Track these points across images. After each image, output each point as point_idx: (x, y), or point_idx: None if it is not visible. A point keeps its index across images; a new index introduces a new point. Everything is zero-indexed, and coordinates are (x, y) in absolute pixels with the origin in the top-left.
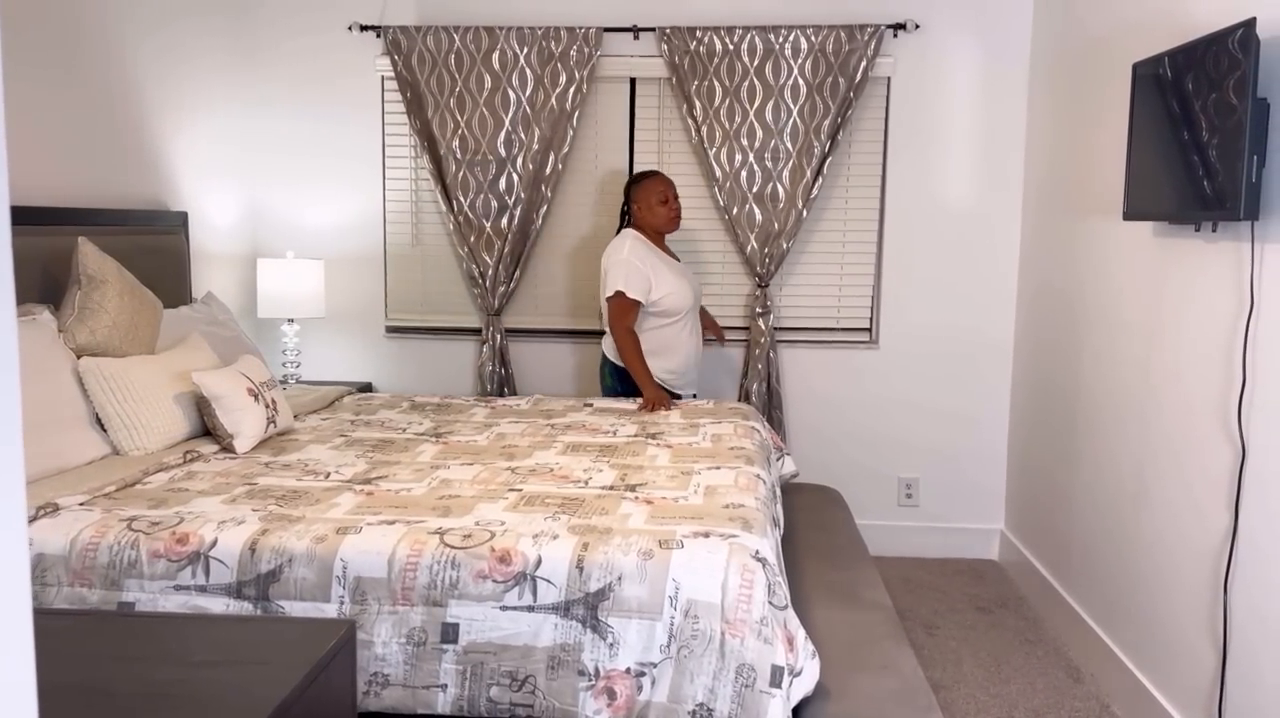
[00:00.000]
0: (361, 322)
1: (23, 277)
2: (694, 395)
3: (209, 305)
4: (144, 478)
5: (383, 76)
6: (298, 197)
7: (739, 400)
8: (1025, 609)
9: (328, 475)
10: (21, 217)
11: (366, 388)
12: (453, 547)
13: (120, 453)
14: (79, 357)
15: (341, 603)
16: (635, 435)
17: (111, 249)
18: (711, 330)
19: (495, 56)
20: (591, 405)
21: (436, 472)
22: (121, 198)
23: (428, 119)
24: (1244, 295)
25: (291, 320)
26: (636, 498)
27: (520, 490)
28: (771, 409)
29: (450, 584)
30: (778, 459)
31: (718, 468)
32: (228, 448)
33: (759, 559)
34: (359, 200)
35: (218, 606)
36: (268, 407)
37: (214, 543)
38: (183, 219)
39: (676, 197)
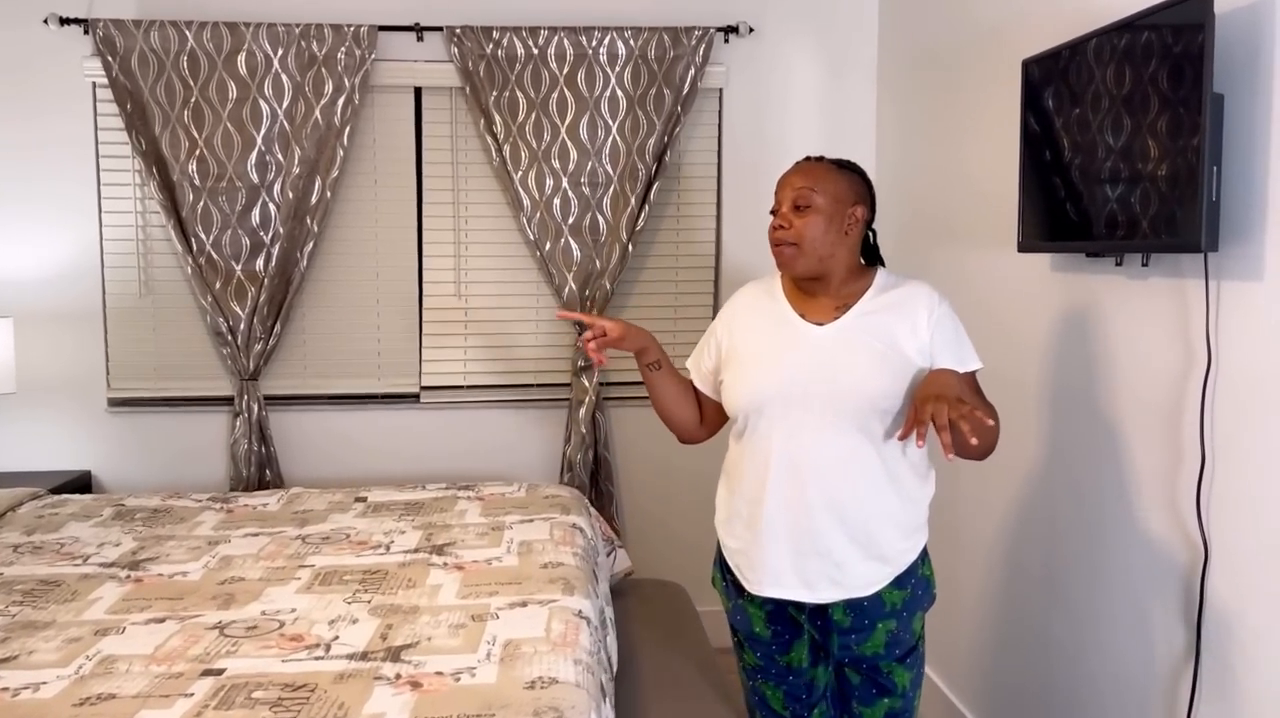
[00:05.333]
0: (75, 394)
1: None
2: (803, 609)
3: None
4: None
5: (94, 83)
6: None
7: (561, 473)
8: None
9: None
10: None
11: (83, 480)
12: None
13: None
14: None
15: None
16: (415, 551)
17: None
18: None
19: (241, 59)
20: (365, 500)
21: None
22: None
23: (155, 137)
24: (1195, 349)
25: None
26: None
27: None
28: (600, 482)
29: None
30: (609, 554)
31: (523, 604)
32: None
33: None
34: (67, 241)
35: None
36: None
37: None
38: None
39: (796, 202)
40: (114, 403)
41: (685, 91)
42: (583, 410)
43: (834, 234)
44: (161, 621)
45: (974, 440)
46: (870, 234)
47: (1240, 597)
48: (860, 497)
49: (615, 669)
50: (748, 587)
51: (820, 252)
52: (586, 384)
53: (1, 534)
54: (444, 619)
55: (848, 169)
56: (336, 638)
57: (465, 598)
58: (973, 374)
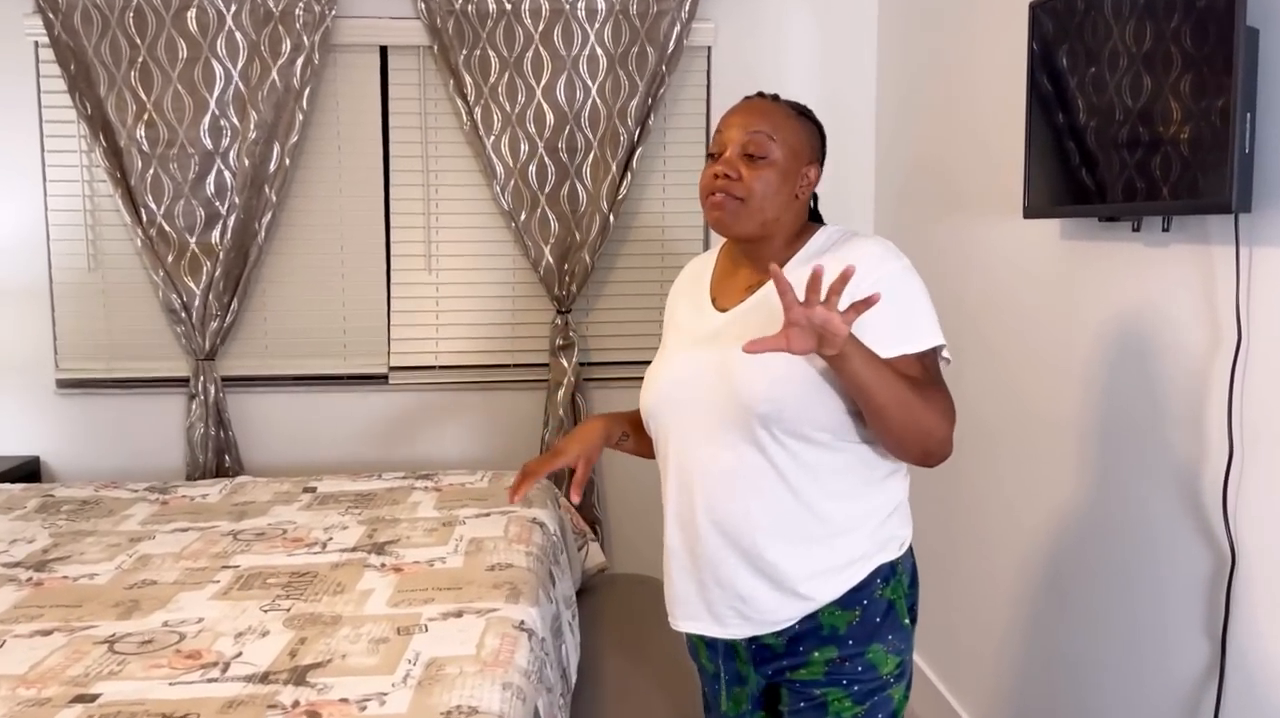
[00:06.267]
0: (21, 375)
1: None
2: (726, 645)
3: None
4: None
5: (36, 43)
6: None
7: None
8: None
9: None
10: None
11: (31, 466)
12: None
13: None
14: None
15: None
16: (353, 549)
17: None
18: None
19: (191, 15)
20: (315, 491)
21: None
22: None
23: (100, 99)
24: (1223, 324)
25: None
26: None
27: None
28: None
29: None
30: (580, 548)
31: (458, 614)
32: None
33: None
34: (9, 211)
35: None
36: None
37: None
38: None
39: (749, 149)
40: (63, 384)
41: (670, 50)
42: (561, 392)
43: (785, 195)
44: (49, 633)
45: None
46: (813, 197)
47: (1271, 608)
48: (754, 519)
49: (574, 680)
50: (670, 619)
51: (766, 214)
52: (565, 364)
53: None
54: (365, 633)
55: (807, 119)
56: (239, 655)
57: (396, 606)
58: (926, 355)
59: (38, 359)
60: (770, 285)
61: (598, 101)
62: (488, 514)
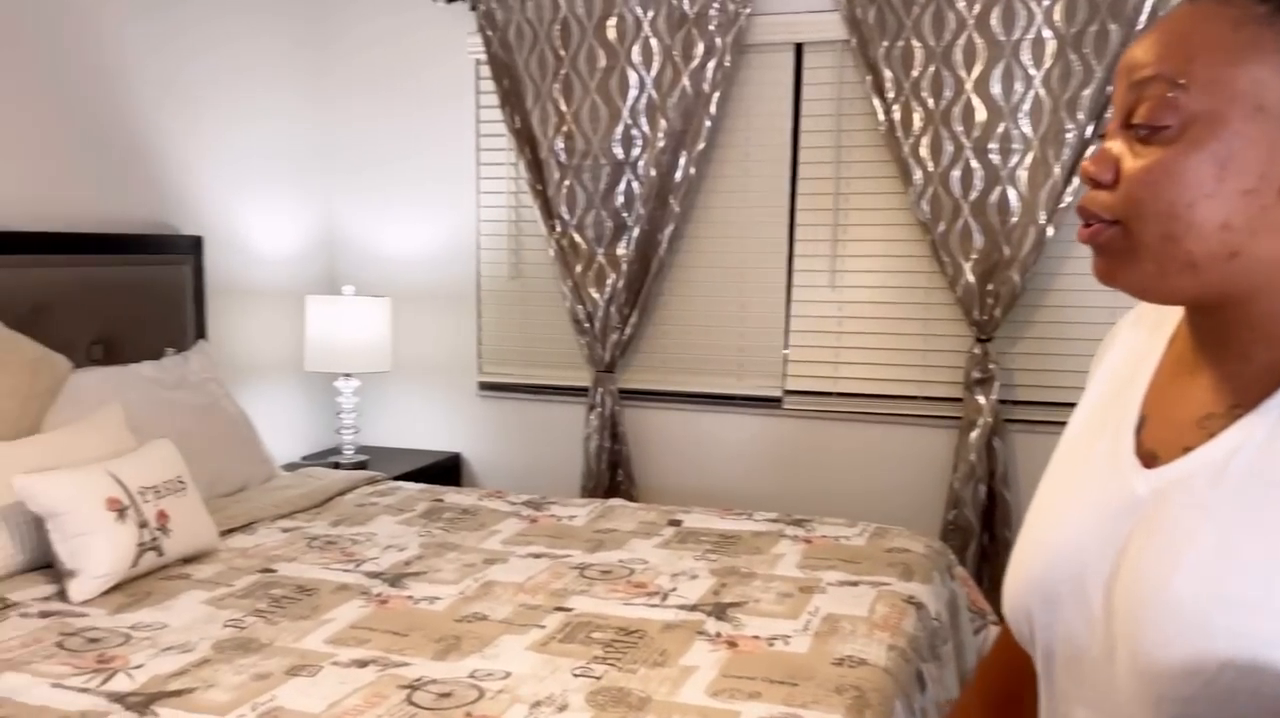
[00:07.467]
0: (447, 376)
1: None
2: None
3: (188, 360)
4: None
5: (476, 60)
6: (368, 216)
7: (946, 510)
8: None
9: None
10: None
11: (452, 462)
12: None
13: None
14: None
15: None
16: (693, 608)
17: (69, 285)
18: None
19: (611, 24)
20: (679, 524)
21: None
22: (101, 219)
23: (527, 112)
24: None
25: (348, 376)
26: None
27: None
28: (995, 527)
29: None
30: (977, 632)
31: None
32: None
33: None
34: (447, 221)
35: None
36: (144, 526)
37: None
38: (193, 245)
39: (1129, 108)
40: (484, 387)
41: (1140, 25)
42: (975, 433)
43: (1241, 199)
44: (365, 665)
45: None
46: None
47: None
48: None
49: None
50: None
51: (1193, 251)
52: (983, 401)
53: (313, 523)
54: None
55: None
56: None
57: (714, 695)
58: None
59: (463, 362)
60: (1251, 428)
61: (1041, 92)
62: (855, 584)
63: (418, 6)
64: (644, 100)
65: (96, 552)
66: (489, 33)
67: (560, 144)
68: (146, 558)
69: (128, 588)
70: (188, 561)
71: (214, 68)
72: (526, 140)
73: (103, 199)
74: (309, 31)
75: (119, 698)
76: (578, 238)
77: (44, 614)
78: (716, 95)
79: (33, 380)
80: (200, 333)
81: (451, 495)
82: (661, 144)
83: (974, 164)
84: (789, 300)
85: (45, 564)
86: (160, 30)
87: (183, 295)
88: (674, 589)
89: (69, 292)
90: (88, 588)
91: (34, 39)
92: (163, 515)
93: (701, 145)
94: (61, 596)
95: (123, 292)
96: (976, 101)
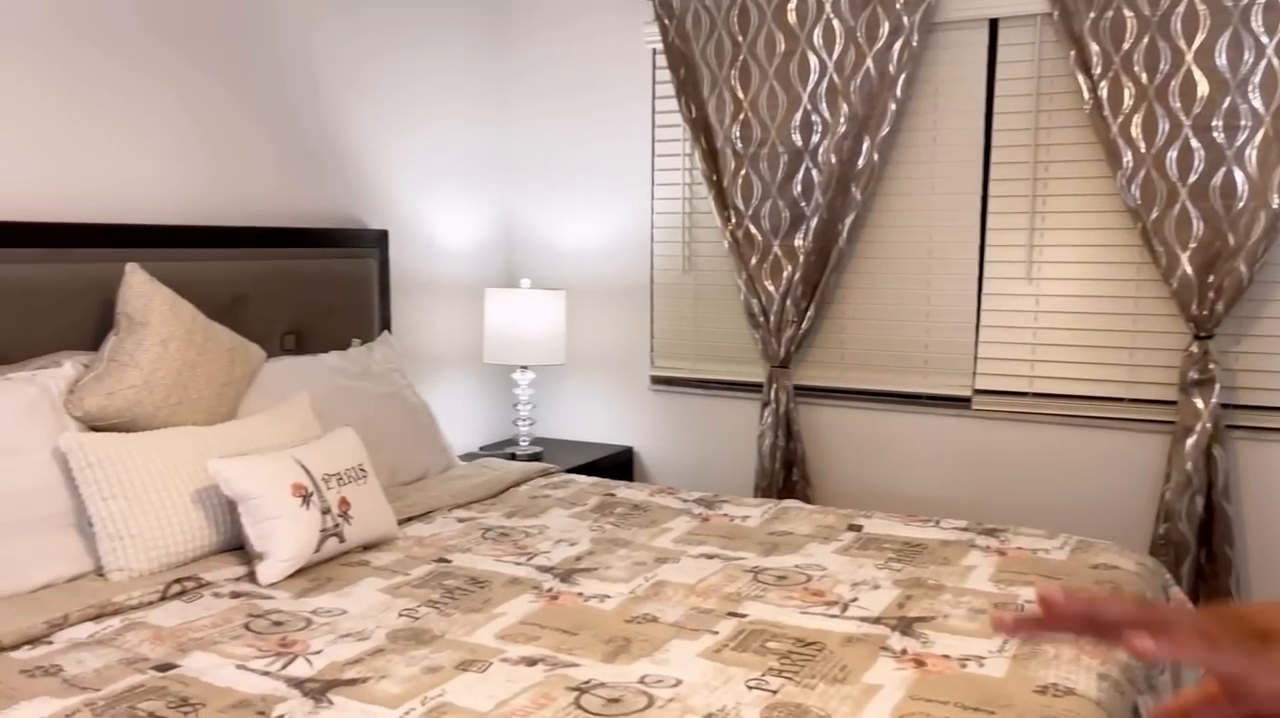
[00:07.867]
0: (620, 370)
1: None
2: None
3: (372, 351)
4: (50, 633)
5: (653, 49)
6: (545, 211)
7: (1156, 524)
8: None
9: (367, 636)
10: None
11: (625, 456)
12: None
13: (104, 573)
14: (90, 429)
15: None
16: (876, 620)
17: (264, 277)
18: None
19: (792, 7)
20: (859, 530)
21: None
22: (294, 213)
23: (703, 100)
24: None
25: (525, 368)
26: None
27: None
28: (1215, 543)
29: None
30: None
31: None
32: (254, 575)
33: None
34: (622, 214)
35: None
36: (327, 513)
37: None
38: (379, 239)
39: None
40: (656, 381)
41: None
42: (1192, 440)
43: None
44: (534, 663)
45: None
46: None
47: None
48: None
49: None
50: None
51: None
52: (1201, 405)
53: (488, 514)
54: None
55: None
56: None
57: None
58: None
59: (637, 356)
60: None
61: (1275, 62)
62: None
63: (595, 7)
64: (825, 85)
65: (282, 536)
66: (666, 21)
67: (737, 133)
68: (329, 544)
69: (310, 573)
70: (367, 548)
71: (396, 70)
72: (702, 130)
73: (295, 194)
74: (486, 37)
75: (297, 683)
76: (753, 229)
77: (235, 595)
78: (903, 77)
79: (230, 368)
80: (385, 324)
81: (623, 490)
82: (843, 130)
83: (1194, 143)
84: (980, 294)
85: (237, 546)
86: (343, 33)
87: (369, 288)
88: (855, 599)
89: (264, 283)
90: (274, 571)
91: (228, 41)
92: (344, 503)
93: (885, 130)
94: (251, 577)
95: (313, 284)
96: (1198, 74)
